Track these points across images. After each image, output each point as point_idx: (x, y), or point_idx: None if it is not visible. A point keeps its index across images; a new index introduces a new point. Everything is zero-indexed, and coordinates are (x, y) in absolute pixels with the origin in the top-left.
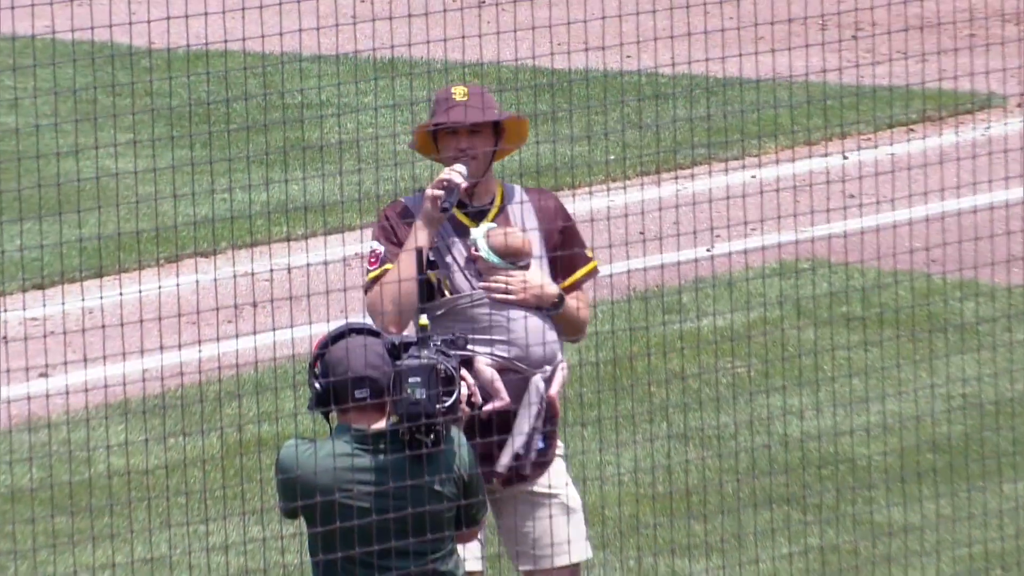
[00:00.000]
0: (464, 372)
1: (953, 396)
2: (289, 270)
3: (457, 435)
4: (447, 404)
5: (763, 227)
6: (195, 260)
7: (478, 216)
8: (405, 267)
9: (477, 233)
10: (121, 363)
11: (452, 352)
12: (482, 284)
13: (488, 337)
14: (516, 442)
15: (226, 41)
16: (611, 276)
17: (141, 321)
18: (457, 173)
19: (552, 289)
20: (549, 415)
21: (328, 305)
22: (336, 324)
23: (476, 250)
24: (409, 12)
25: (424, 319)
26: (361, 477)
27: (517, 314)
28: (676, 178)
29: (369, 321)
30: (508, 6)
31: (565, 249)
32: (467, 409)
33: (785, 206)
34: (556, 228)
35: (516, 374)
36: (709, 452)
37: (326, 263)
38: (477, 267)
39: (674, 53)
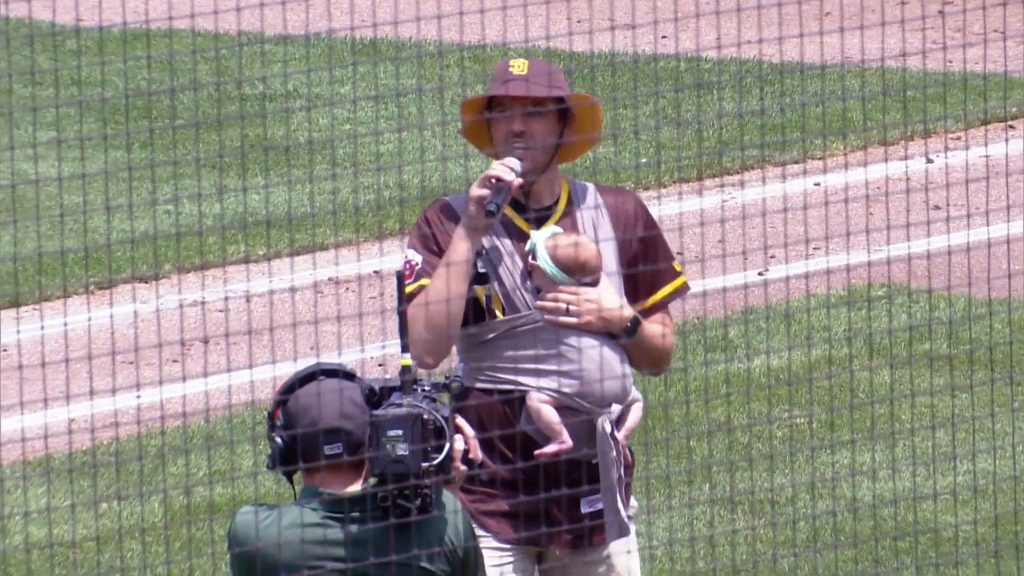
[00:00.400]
0: (460, 422)
1: None
2: (248, 298)
3: (452, 500)
4: (436, 461)
5: (828, 246)
6: (133, 286)
7: (539, 222)
8: (443, 283)
9: (538, 238)
10: (42, 412)
11: (442, 398)
12: (539, 303)
13: (546, 368)
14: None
15: (171, 18)
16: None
17: (67, 360)
18: (507, 168)
19: (625, 311)
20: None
21: (295, 341)
22: (305, 364)
23: (534, 259)
24: None
25: (407, 358)
26: (333, 552)
27: (583, 341)
28: (722, 186)
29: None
30: None
31: (647, 261)
32: (462, 467)
33: (855, 220)
34: (636, 234)
35: (576, 413)
36: (761, 520)
37: (293, 290)
38: (533, 281)
39: (720, 33)
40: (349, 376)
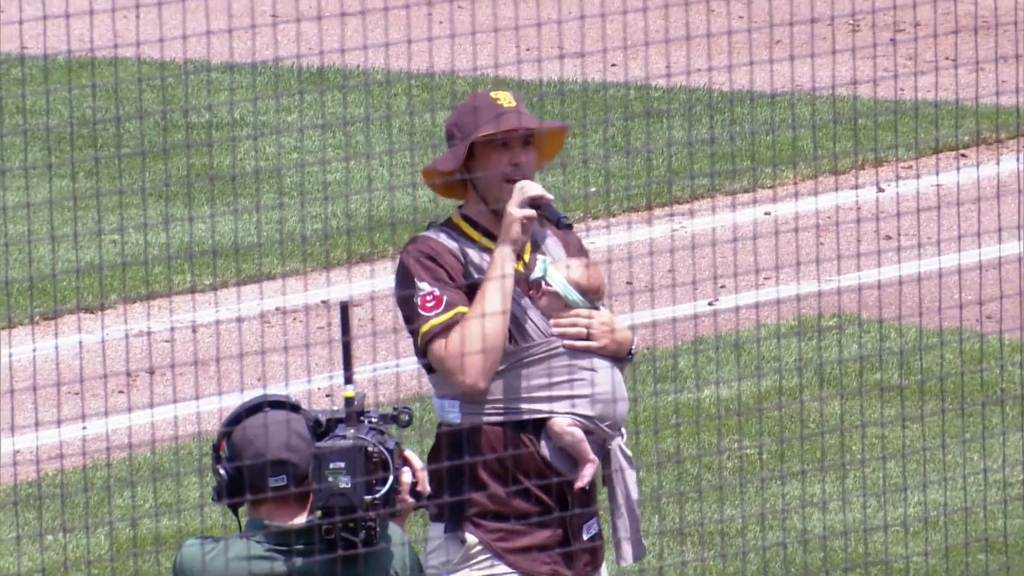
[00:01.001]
0: (409, 454)
1: (1011, 483)
2: (194, 328)
3: (398, 533)
4: (380, 493)
5: (778, 275)
6: (78, 316)
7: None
8: (493, 306)
9: (548, 264)
10: None
11: (390, 430)
12: (556, 328)
13: (562, 393)
14: (627, 522)
15: (116, 46)
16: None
17: (12, 392)
18: (534, 187)
19: (629, 335)
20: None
21: (242, 371)
22: (251, 395)
23: (547, 284)
24: (342, 10)
25: (350, 390)
26: None
27: (600, 364)
28: (672, 215)
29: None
30: (465, 3)
31: None
32: (410, 500)
33: (806, 249)
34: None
35: (590, 436)
36: (711, 552)
37: (240, 320)
38: (539, 306)
39: (669, 61)
40: (295, 408)
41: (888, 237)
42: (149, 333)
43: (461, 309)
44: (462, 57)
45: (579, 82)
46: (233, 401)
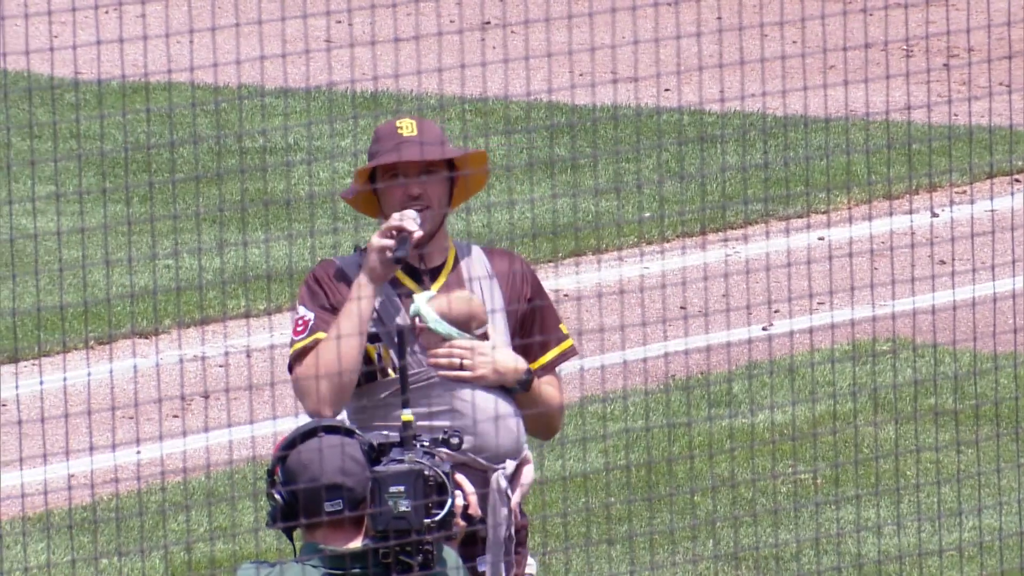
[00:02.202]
0: (460, 478)
1: None
2: (248, 353)
3: (453, 556)
4: (438, 517)
5: (832, 300)
6: (133, 341)
7: (428, 280)
8: (345, 331)
9: (420, 300)
10: (42, 467)
11: (443, 454)
12: (431, 360)
13: (439, 424)
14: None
15: (170, 71)
16: (645, 361)
17: (66, 416)
18: (410, 219)
19: (518, 363)
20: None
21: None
22: (305, 420)
23: (420, 321)
24: (396, 35)
25: (408, 413)
26: None
27: (477, 395)
28: (726, 240)
29: (343, 416)
30: (518, 28)
31: (535, 323)
32: (462, 523)
33: (860, 274)
34: (524, 297)
35: (470, 469)
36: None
37: None
38: (422, 343)
39: (723, 86)
40: (349, 432)
41: (942, 262)
42: (203, 358)
43: (319, 335)
44: (515, 82)
45: (632, 107)
46: (287, 425)
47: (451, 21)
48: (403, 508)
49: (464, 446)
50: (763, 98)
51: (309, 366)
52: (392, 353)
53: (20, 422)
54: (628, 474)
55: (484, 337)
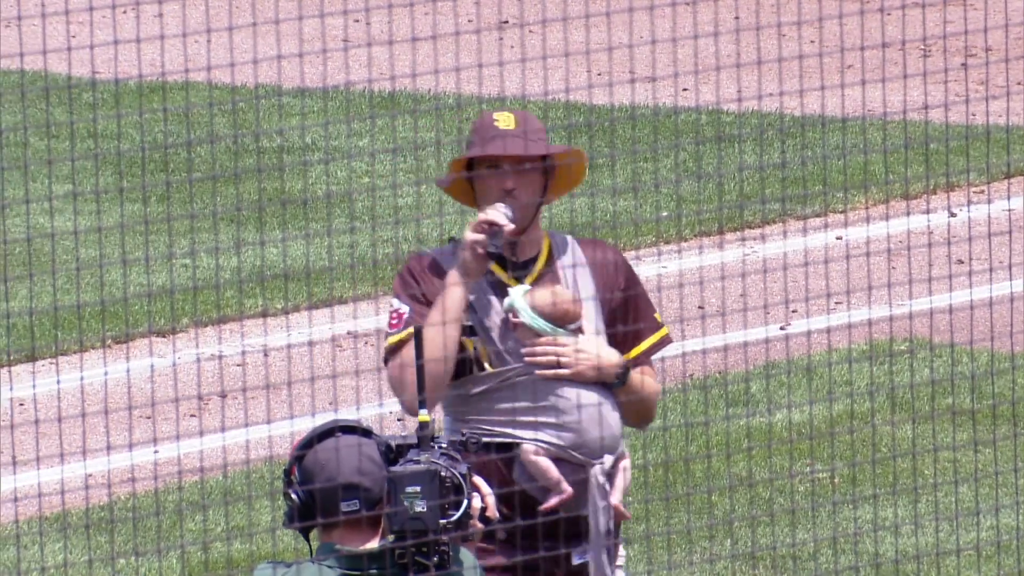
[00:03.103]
0: (478, 480)
1: None
2: (266, 352)
3: (470, 557)
4: (454, 518)
5: (850, 300)
6: (150, 340)
7: (522, 272)
8: (439, 328)
9: (515, 294)
10: (59, 466)
11: (461, 455)
12: (526, 354)
13: (541, 419)
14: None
15: (187, 71)
16: (663, 360)
17: (83, 415)
18: (501, 213)
19: (614, 358)
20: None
21: (313, 395)
22: (322, 419)
23: (515, 316)
24: (413, 35)
25: (425, 414)
26: None
27: (578, 391)
28: (743, 240)
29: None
30: (536, 27)
31: (629, 313)
32: (480, 525)
33: (877, 274)
34: (618, 287)
35: (568, 465)
36: (783, 575)
37: (311, 343)
38: (515, 335)
39: (741, 86)
40: (366, 433)
41: (960, 261)
42: (221, 357)
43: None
44: (533, 81)
45: (650, 107)
46: (305, 425)
47: (469, 20)
48: (419, 508)
49: (563, 442)
50: (781, 98)
51: (402, 364)
52: (489, 348)
53: (37, 421)
54: (645, 473)
55: (578, 331)
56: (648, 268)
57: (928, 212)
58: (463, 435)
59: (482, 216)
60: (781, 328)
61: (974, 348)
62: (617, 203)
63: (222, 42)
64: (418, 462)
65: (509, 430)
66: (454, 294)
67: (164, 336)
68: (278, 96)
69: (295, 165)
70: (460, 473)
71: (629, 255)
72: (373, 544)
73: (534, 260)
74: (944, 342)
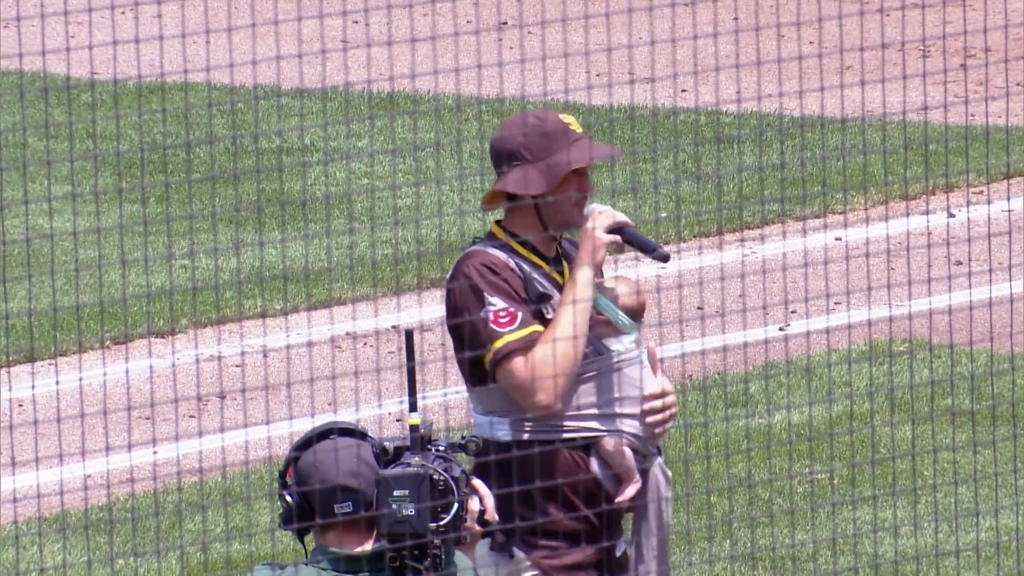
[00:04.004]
0: (476, 482)
1: None
2: (265, 353)
3: (464, 560)
4: (444, 521)
5: (849, 300)
6: (149, 341)
7: (558, 268)
8: (572, 322)
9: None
10: (58, 467)
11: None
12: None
13: (615, 412)
14: (655, 544)
15: (186, 71)
16: (662, 361)
17: (82, 416)
18: (619, 214)
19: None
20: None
21: (312, 396)
22: (321, 420)
23: (598, 312)
24: (412, 35)
25: (415, 417)
26: None
27: (638, 383)
28: (743, 240)
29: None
30: (535, 28)
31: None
32: (477, 527)
33: (877, 275)
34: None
35: (637, 455)
36: None
37: (310, 345)
38: (594, 332)
39: (740, 86)
40: (362, 435)
41: (959, 262)
42: (220, 358)
43: (536, 327)
44: (532, 82)
45: (649, 107)
46: (303, 425)
47: (468, 21)
48: (407, 512)
49: (640, 433)
50: (780, 98)
51: (537, 361)
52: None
53: (36, 422)
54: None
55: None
56: (647, 269)
57: (927, 213)
58: (463, 438)
59: (618, 217)
60: (780, 329)
61: (973, 349)
62: (616, 204)
63: (221, 43)
64: (409, 465)
65: (583, 423)
66: (585, 288)
67: (163, 337)
68: (277, 97)
69: (294, 166)
70: (452, 476)
71: (628, 256)
72: (368, 547)
73: (557, 257)
74: (943, 343)
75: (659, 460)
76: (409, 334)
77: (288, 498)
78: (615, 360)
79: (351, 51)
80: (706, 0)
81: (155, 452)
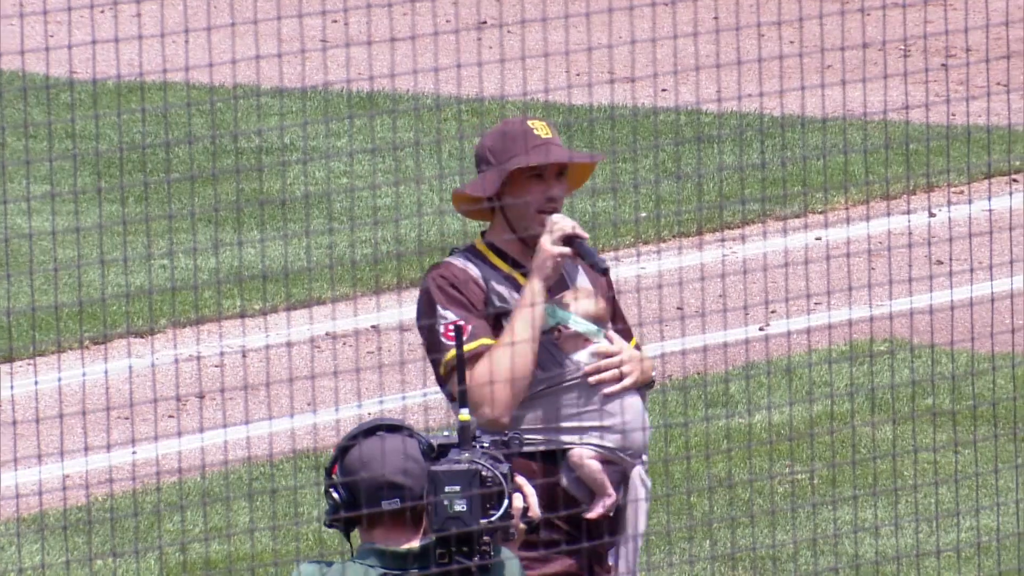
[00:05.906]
0: (521, 480)
1: None
2: (244, 353)
3: (511, 557)
4: (493, 517)
5: (830, 300)
6: (128, 341)
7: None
8: (522, 337)
9: (564, 306)
10: (36, 467)
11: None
12: (593, 376)
13: (588, 424)
14: (630, 550)
15: (165, 71)
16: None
17: (61, 416)
18: (569, 224)
19: (650, 361)
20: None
21: (292, 396)
22: (301, 421)
23: (564, 328)
24: (392, 35)
25: (465, 413)
26: None
27: (624, 393)
28: (723, 240)
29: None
30: (515, 28)
31: (616, 315)
32: (522, 525)
33: (857, 274)
34: (602, 287)
35: (611, 465)
36: None
37: (289, 345)
38: (562, 348)
39: (720, 86)
40: (409, 432)
41: (940, 262)
42: (199, 358)
43: (485, 340)
44: (512, 82)
45: (629, 107)
46: (283, 425)
47: (447, 21)
48: (458, 508)
49: (612, 444)
50: (760, 98)
51: (481, 373)
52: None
53: (15, 422)
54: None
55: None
56: (627, 269)
57: (908, 212)
58: (506, 435)
59: (568, 229)
60: (760, 329)
61: (954, 349)
62: (596, 204)
63: (200, 42)
64: (459, 461)
65: (555, 436)
66: (536, 307)
67: (142, 337)
68: (256, 96)
69: (273, 165)
70: (501, 472)
71: (608, 256)
72: (415, 544)
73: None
74: (924, 343)
75: (640, 469)
76: (459, 328)
77: (335, 494)
78: (580, 373)
79: (330, 50)
80: (686, 0)
81: (134, 452)
